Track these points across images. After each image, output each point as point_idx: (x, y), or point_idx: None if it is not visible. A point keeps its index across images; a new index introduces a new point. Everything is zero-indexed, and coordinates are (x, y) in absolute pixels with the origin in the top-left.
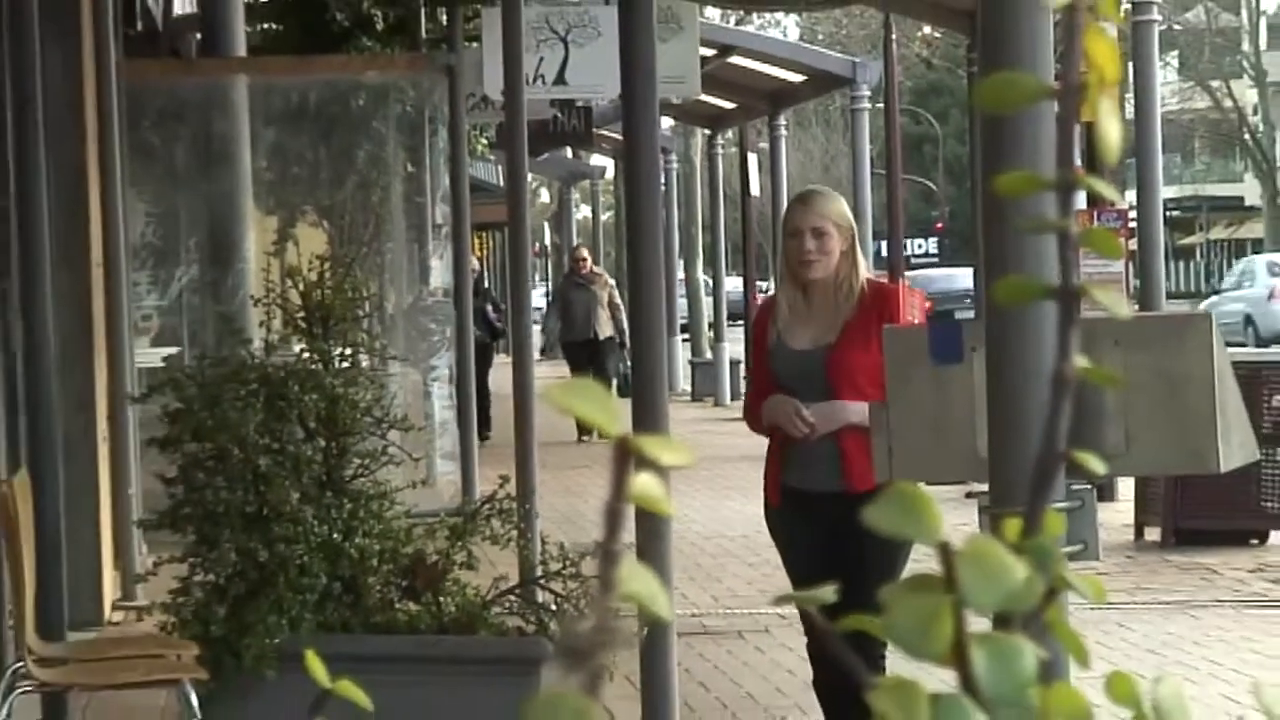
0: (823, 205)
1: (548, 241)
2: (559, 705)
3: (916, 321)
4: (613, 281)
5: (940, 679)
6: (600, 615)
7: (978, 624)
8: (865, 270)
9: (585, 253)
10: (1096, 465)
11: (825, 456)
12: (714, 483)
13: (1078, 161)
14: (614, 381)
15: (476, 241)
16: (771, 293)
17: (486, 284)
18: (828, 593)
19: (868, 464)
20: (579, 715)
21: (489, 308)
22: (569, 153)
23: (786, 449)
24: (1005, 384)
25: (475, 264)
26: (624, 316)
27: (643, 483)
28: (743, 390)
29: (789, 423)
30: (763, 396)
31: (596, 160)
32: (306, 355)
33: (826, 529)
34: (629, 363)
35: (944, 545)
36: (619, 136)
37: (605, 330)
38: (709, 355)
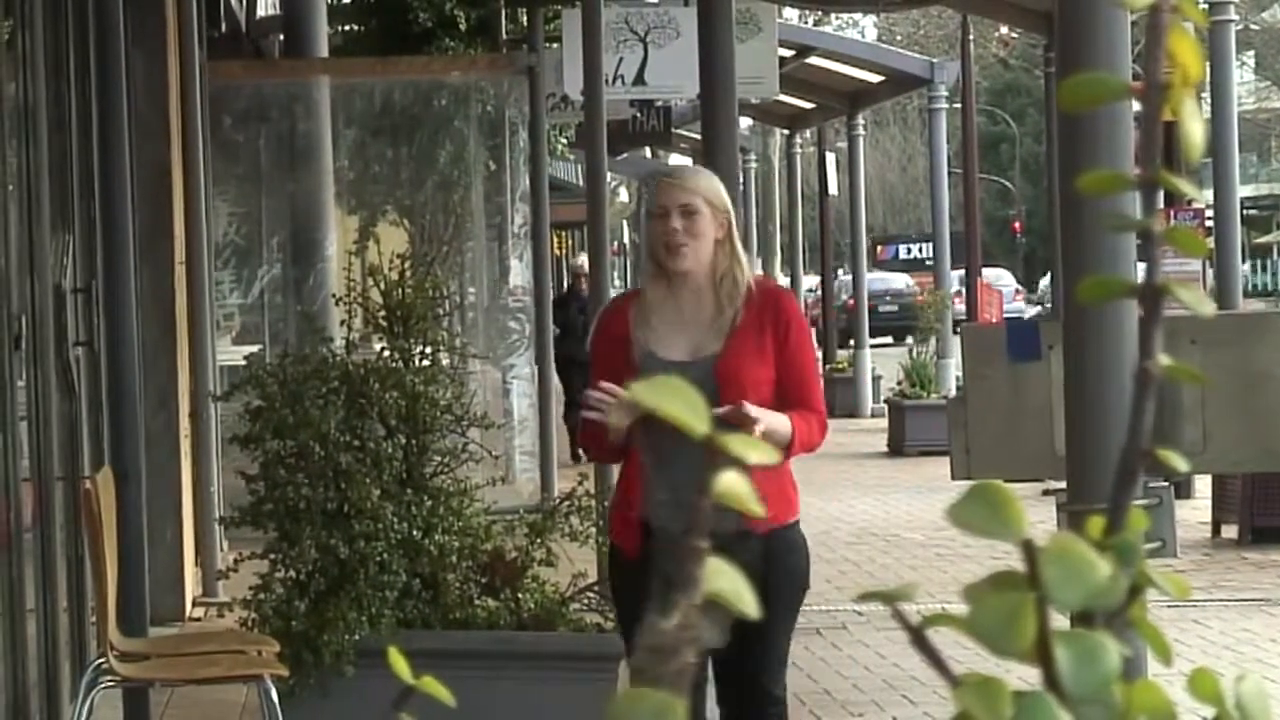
0: (692, 181)
1: (626, 240)
2: (643, 703)
3: (994, 320)
4: None
5: (1019, 677)
6: (684, 613)
7: (1058, 621)
8: (749, 266)
9: None
10: (1179, 463)
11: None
12: None
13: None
14: None
15: (555, 240)
16: (626, 291)
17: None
18: (914, 588)
19: (767, 497)
20: (662, 713)
21: None
22: (648, 152)
23: (655, 477)
24: (1084, 382)
25: (584, 266)
26: None
27: (729, 481)
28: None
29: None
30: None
31: (675, 160)
32: (387, 353)
33: None
34: None
35: (1027, 543)
36: (698, 136)
37: None
38: None
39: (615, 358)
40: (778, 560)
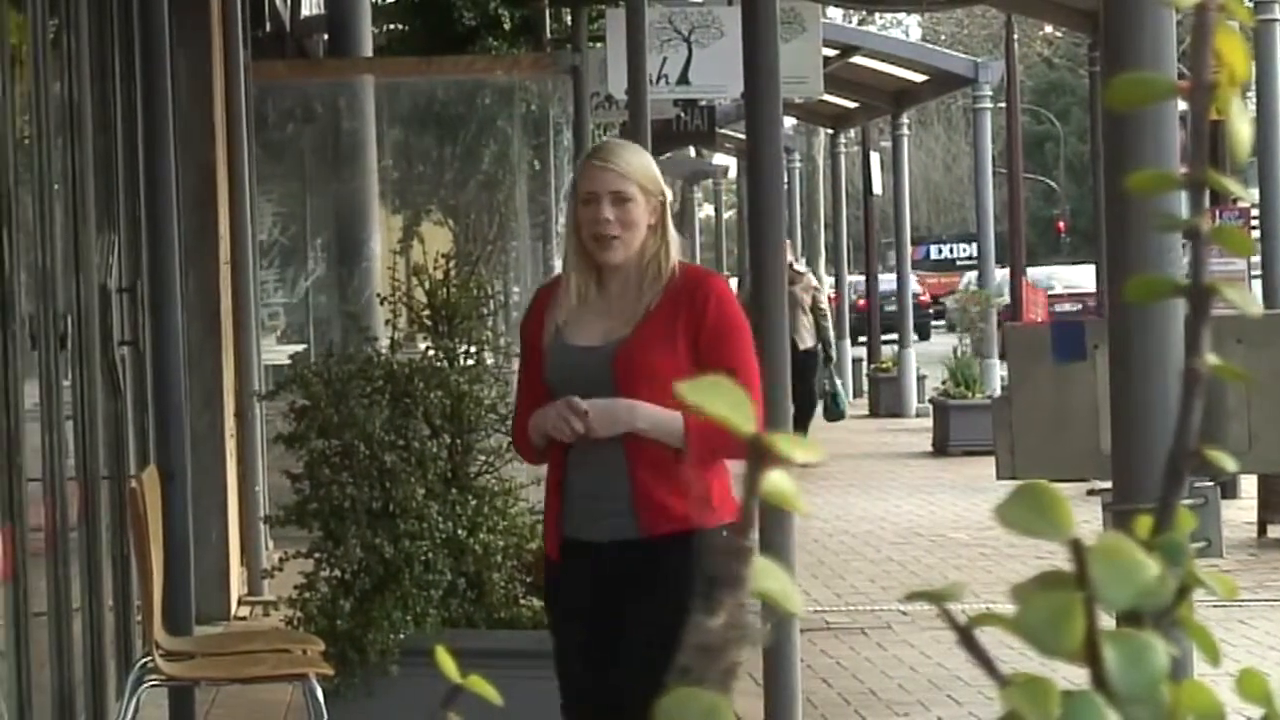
0: (625, 162)
1: None
2: (690, 702)
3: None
4: (817, 283)
5: (1064, 677)
6: (731, 612)
7: (1104, 621)
8: (678, 251)
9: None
10: (1228, 462)
11: (613, 493)
12: (838, 479)
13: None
14: (820, 401)
15: None
16: (552, 277)
17: None
18: (961, 588)
19: (666, 499)
20: (710, 712)
21: None
22: (692, 152)
23: (566, 486)
24: (1129, 381)
25: None
26: (830, 325)
27: (775, 480)
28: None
29: (558, 423)
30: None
31: (719, 159)
32: (431, 353)
33: (612, 589)
34: (835, 380)
35: (1076, 542)
36: (742, 136)
37: (807, 340)
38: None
39: (532, 345)
40: (668, 566)
